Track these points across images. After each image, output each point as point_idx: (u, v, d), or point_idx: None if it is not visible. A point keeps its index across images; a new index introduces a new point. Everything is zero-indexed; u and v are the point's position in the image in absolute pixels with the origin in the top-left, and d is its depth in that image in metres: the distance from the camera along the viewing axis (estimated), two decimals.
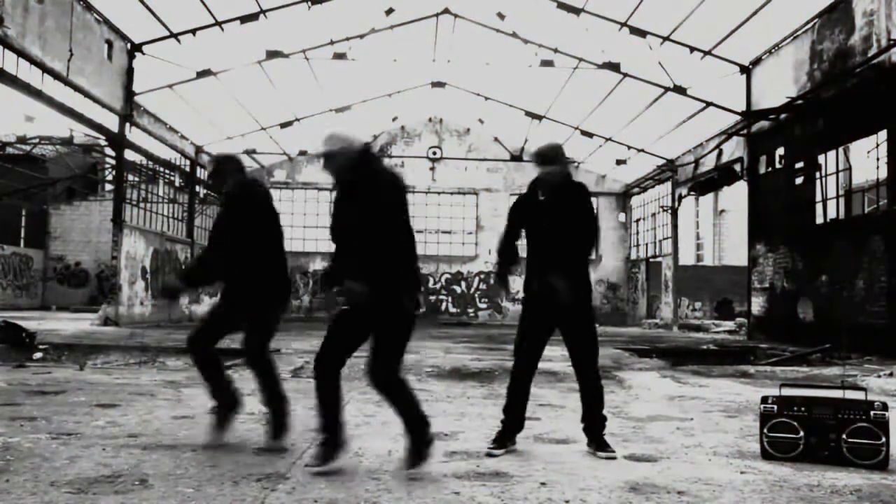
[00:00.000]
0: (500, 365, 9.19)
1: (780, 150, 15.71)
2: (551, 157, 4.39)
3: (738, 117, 17.59)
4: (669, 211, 23.19)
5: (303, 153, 25.90)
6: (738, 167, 17.99)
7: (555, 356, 9.52)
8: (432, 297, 27.15)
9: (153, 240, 19.40)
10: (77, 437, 4.39)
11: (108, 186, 30.44)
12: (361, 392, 6.75)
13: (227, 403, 4.43)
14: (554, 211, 4.34)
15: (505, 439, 4.32)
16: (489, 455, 4.15)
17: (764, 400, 4.28)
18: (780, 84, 15.50)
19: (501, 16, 18.07)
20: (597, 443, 4.29)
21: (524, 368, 4.41)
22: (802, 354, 11.73)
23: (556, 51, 18.77)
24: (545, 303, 4.30)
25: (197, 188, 22.77)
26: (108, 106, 16.30)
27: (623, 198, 27.93)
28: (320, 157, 3.92)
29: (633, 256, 27.24)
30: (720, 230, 34.53)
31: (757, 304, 16.74)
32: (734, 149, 18.16)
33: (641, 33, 16.71)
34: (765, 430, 4.20)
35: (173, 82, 18.24)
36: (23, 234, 30.52)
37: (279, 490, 3.32)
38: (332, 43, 18.61)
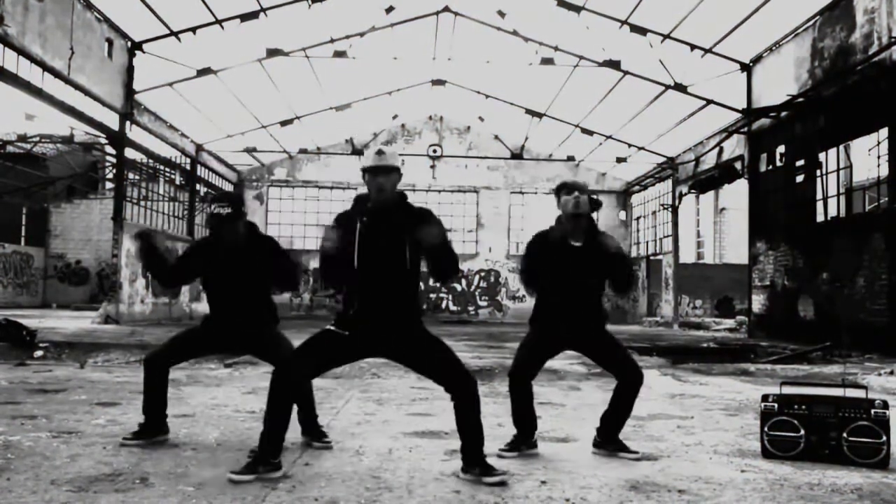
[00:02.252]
0: (501, 363, 9.18)
1: (781, 148, 15.69)
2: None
3: (738, 115, 17.57)
4: (670, 209, 23.17)
5: (303, 151, 25.87)
6: (738, 165, 17.97)
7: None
8: (433, 296, 27.15)
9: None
10: (78, 435, 4.39)
11: (109, 185, 30.43)
12: (362, 391, 6.76)
13: (159, 426, 4.32)
14: (591, 258, 4.31)
15: (520, 443, 4.16)
16: (500, 458, 4.00)
17: (764, 398, 4.27)
18: (780, 82, 15.48)
19: (502, 14, 18.03)
20: (615, 443, 4.19)
21: (528, 375, 4.26)
22: (803, 352, 11.73)
23: (556, 49, 18.73)
24: (567, 335, 4.32)
25: (198, 186, 22.76)
26: (109, 104, 16.28)
27: (623, 196, 27.93)
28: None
29: (634, 254, 27.19)
30: (721, 228, 34.48)
31: (757, 302, 16.73)
32: (735, 147, 18.13)
33: (642, 31, 16.68)
34: (765, 429, 4.20)
35: (173, 80, 18.22)
36: (23, 233, 30.54)
37: (280, 489, 3.32)
38: (332, 41, 18.58)
